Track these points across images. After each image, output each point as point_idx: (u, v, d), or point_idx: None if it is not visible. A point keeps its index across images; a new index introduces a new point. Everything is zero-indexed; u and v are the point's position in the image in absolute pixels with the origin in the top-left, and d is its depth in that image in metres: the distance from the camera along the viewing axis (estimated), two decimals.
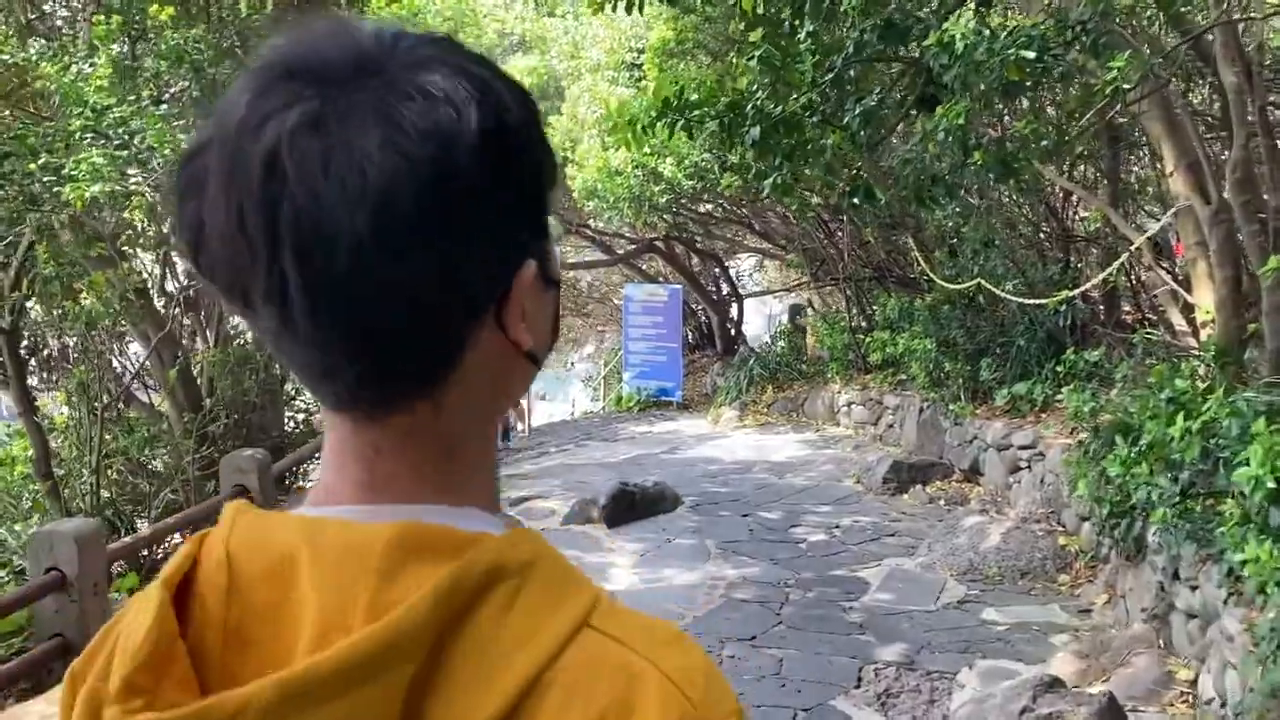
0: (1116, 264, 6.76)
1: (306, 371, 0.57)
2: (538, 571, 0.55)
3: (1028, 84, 4.40)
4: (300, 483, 9.75)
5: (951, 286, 9.34)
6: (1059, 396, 8.14)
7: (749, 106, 4.75)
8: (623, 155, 10.88)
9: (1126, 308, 9.85)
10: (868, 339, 10.38)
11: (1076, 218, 10.05)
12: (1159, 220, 7.78)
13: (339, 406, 0.57)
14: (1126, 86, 4.37)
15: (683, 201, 12.22)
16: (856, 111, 4.73)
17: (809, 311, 13.64)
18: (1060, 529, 6.78)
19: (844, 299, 11.32)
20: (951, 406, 8.59)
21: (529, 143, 0.57)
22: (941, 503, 8.34)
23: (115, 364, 8.15)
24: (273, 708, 0.48)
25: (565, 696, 0.51)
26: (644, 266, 18.09)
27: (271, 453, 9.42)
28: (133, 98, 6.09)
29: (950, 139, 4.64)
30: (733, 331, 17.35)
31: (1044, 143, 4.65)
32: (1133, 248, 6.63)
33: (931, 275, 9.87)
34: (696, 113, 4.75)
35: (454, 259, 0.53)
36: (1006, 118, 7.49)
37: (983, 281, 8.68)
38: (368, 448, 0.57)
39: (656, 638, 0.55)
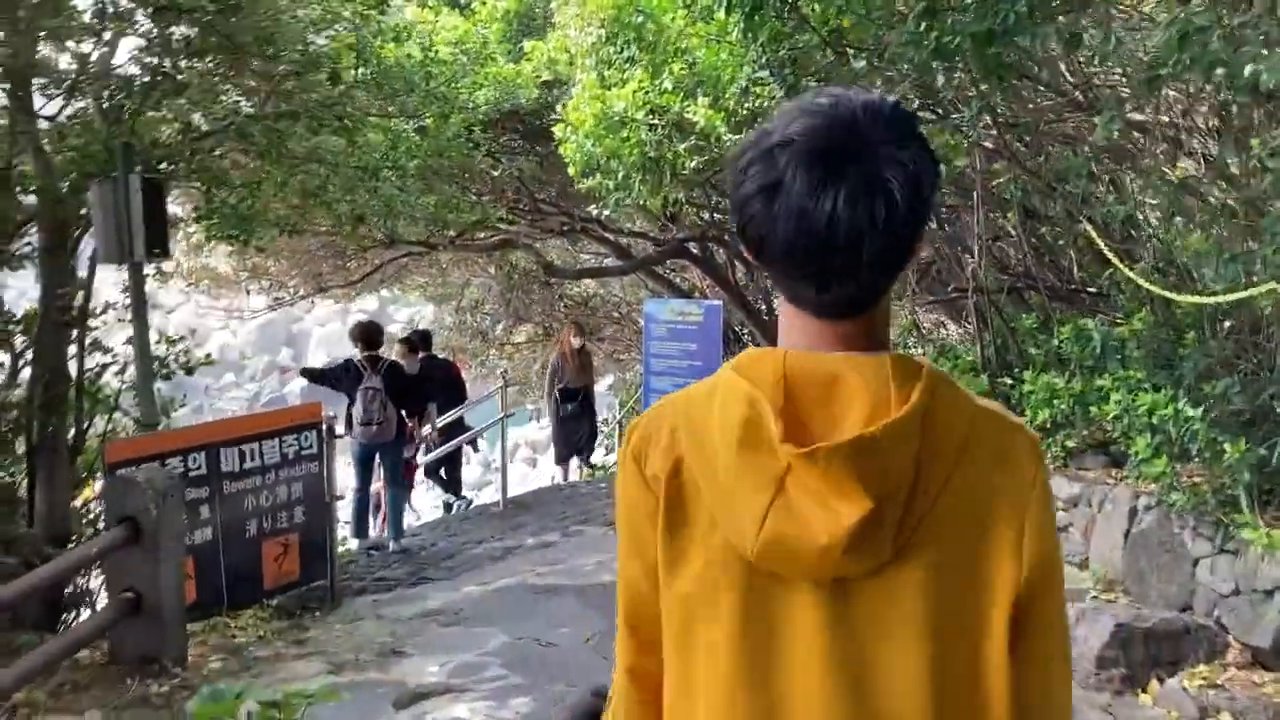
0: None
1: (822, 297, 1.10)
2: (947, 378, 1.13)
3: None
4: (90, 605, 5.87)
5: (1194, 300, 5.29)
6: None
7: None
8: (628, 91, 6.91)
9: None
10: (1024, 386, 6.30)
11: None
12: None
13: (835, 315, 1.12)
14: None
15: (722, 172, 7.96)
16: None
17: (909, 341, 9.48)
18: None
19: (975, 321, 7.30)
20: (1235, 521, 4.49)
21: (935, 187, 1.12)
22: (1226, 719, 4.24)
23: None
24: (883, 437, 1.03)
25: (986, 420, 1.13)
26: (674, 279, 14.12)
27: (42, 548, 5.59)
28: None
29: None
30: None
31: None
32: None
33: (1142, 282, 5.82)
34: None
35: (913, 237, 1.10)
36: None
37: (1278, 287, 4.63)
38: (840, 334, 1.12)
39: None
